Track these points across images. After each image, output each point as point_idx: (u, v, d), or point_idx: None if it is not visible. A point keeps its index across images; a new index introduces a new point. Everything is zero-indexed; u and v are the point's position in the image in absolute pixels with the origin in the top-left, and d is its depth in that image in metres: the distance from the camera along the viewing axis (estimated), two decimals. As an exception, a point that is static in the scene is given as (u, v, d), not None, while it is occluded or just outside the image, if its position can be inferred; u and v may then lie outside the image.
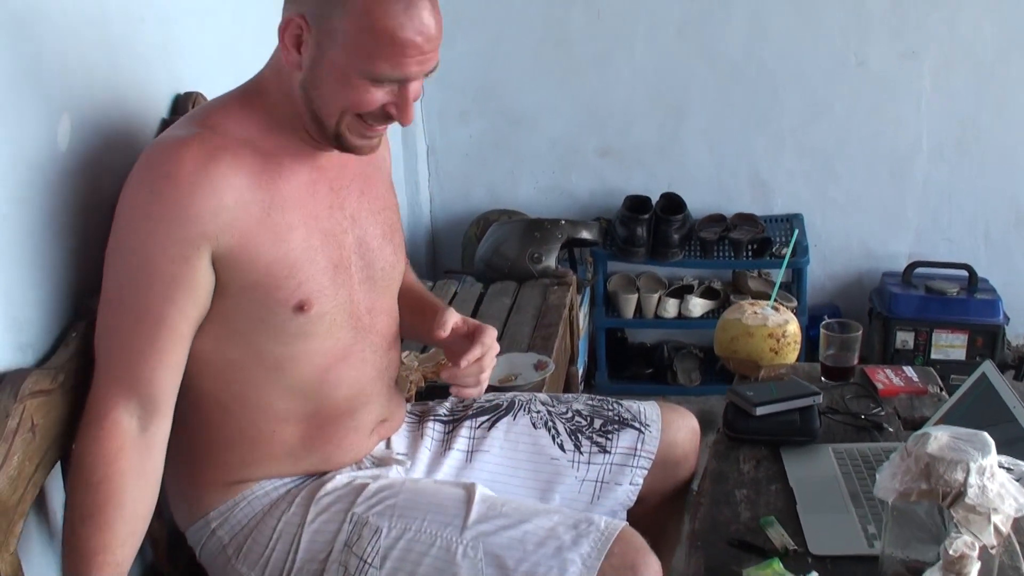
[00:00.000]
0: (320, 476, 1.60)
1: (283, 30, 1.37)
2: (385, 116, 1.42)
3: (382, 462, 1.66)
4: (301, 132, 1.46)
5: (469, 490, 1.55)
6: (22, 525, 1.31)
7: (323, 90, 1.38)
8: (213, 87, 1.83)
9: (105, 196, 1.59)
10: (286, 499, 1.57)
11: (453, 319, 1.62)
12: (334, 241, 1.52)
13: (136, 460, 1.38)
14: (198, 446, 1.55)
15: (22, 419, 1.31)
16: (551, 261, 3.20)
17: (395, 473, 1.66)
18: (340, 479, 1.59)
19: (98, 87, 1.61)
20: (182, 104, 1.80)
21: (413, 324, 1.75)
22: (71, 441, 1.42)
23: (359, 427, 1.62)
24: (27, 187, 1.41)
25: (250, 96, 1.47)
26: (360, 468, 1.64)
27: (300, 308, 1.46)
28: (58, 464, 1.43)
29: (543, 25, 3.70)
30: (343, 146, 1.45)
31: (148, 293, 1.37)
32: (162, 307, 1.37)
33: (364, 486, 1.56)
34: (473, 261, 3.41)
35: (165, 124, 1.75)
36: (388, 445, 1.72)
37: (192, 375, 1.46)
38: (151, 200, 1.35)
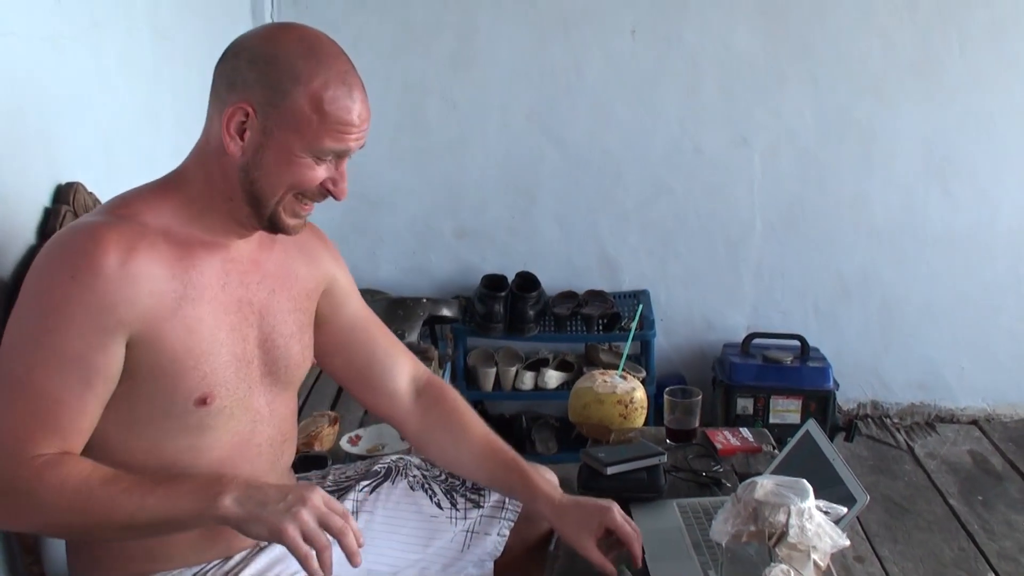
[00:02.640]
0: (225, 560, 1.60)
1: (228, 118, 1.42)
2: (321, 193, 1.50)
3: None
4: (219, 222, 1.50)
5: None
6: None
7: (267, 170, 1.44)
8: (92, 177, 1.90)
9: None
10: None
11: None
12: (239, 335, 1.54)
13: (77, 458, 1.38)
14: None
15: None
16: (413, 337, 3.29)
17: None
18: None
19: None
20: (63, 193, 1.82)
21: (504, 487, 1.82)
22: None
23: None
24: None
25: (168, 187, 1.50)
26: (262, 547, 1.63)
27: (202, 401, 1.49)
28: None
29: (400, 113, 3.80)
30: (276, 226, 1.51)
31: (63, 378, 1.36)
32: (82, 394, 1.38)
33: None
34: (337, 339, 3.45)
35: (47, 213, 1.79)
36: None
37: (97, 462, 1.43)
38: (71, 287, 1.35)
